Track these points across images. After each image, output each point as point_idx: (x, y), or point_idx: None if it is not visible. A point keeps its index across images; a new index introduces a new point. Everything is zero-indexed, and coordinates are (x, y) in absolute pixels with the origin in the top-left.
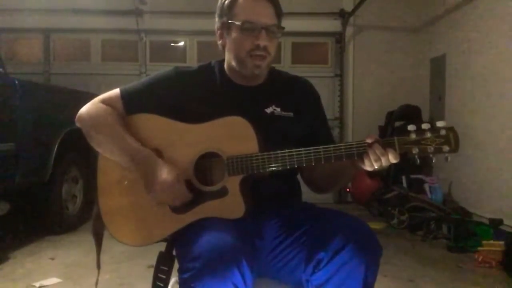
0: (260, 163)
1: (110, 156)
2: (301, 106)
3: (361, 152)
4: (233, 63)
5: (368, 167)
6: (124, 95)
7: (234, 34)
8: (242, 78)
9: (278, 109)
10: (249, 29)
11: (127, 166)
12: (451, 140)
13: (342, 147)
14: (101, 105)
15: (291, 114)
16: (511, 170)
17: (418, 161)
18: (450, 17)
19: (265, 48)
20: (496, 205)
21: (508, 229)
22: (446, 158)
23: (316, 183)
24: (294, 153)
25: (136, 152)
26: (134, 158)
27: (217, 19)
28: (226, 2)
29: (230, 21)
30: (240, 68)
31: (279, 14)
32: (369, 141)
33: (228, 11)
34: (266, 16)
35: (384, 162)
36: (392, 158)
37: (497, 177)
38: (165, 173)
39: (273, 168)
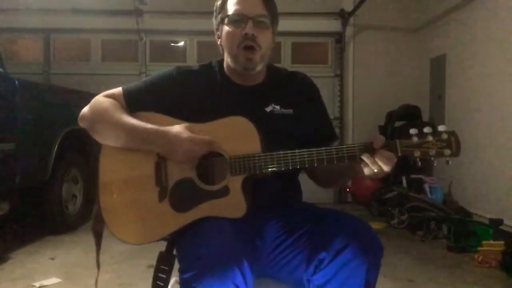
0: (263, 163)
1: (117, 144)
2: (301, 102)
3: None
4: (229, 60)
5: (366, 170)
6: (126, 94)
7: (225, 29)
8: (240, 77)
9: (278, 107)
10: (237, 21)
11: (138, 146)
12: (453, 144)
13: (344, 149)
14: (103, 98)
15: (291, 111)
16: (511, 170)
17: (420, 163)
18: (450, 17)
19: (253, 38)
20: (496, 205)
21: (508, 229)
22: (447, 162)
23: (318, 179)
24: (297, 153)
25: (144, 130)
26: (144, 136)
27: (214, 22)
28: (219, 2)
29: (221, 18)
30: (234, 63)
31: (269, 6)
32: (374, 146)
33: (220, 10)
34: (253, 7)
35: (383, 166)
36: (389, 159)
37: (497, 177)
38: (179, 132)
39: (275, 169)
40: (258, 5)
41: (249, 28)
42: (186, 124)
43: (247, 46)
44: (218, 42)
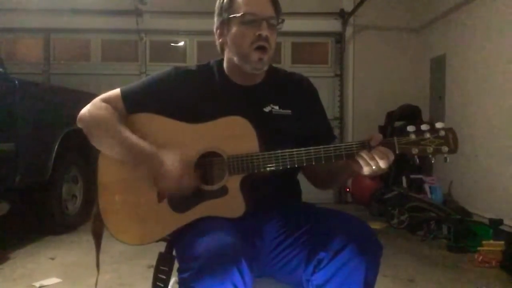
0: (261, 162)
1: (112, 155)
2: (299, 103)
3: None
4: (236, 60)
5: (364, 167)
6: (125, 95)
7: (235, 28)
8: (241, 77)
9: (277, 107)
10: (251, 21)
11: (130, 163)
12: (450, 141)
13: (342, 147)
14: (102, 104)
15: (289, 111)
16: (511, 170)
17: (418, 161)
18: (450, 17)
19: (266, 39)
20: (496, 205)
21: (508, 229)
22: (445, 159)
23: (315, 180)
24: (295, 152)
25: (138, 148)
26: (137, 154)
27: (216, 19)
28: (225, 0)
29: (230, 17)
30: (243, 63)
31: (277, 8)
32: (372, 143)
33: (228, 8)
34: (266, 8)
35: (381, 163)
36: (387, 156)
37: (497, 177)
38: (169, 165)
39: (273, 168)
40: (269, 7)
41: (264, 29)
42: (181, 155)
43: (260, 46)
44: (220, 40)
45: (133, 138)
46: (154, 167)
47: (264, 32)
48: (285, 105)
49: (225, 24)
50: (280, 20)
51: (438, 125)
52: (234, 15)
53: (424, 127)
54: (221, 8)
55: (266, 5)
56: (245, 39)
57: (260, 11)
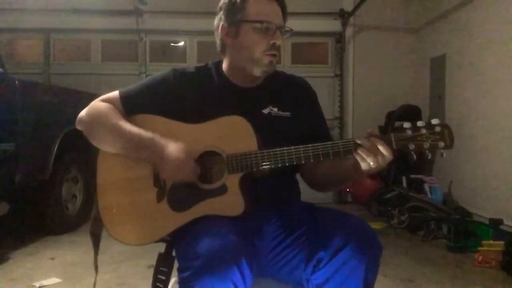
0: (259, 160)
1: (113, 150)
2: (298, 105)
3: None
4: (243, 63)
5: (363, 164)
6: (123, 97)
7: (248, 33)
8: (241, 78)
9: (275, 109)
10: (266, 28)
11: (133, 154)
12: (446, 136)
13: (340, 144)
14: (100, 103)
15: (288, 114)
16: (510, 170)
17: (415, 157)
18: (450, 17)
19: (278, 47)
20: (496, 205)
21: (508, 229)
22: (442, 154)
23: (316, 182)
24: (293, 150)
25: (140, 138)
26: (139, 144)
27: (223, 17)
28: (238, 0)
29: (243, 20)
30: (253, 66)
31: (285, 17)
32: (366, 135)
33: (241, 9)
34: (279, 16)
35: (379, 159)
36: (385, 151)
37: (497, 177)
38: (173, 151)
39: (272, 166)
40: (280, 15)
41: (278, 38)
42: (185, 145)
43: (272, 54)
44: (225, 40)
45: (133, 128)
46: (156, 152)
47: (278, 42)
48: (284, 107)
49: (234, 25)
50: (288, 29)
51: (434, 121)
52: (250, 20)
53: (420, 123)
54: (232, 8)
55: (279, 13)
56: (259, 46)
57: (275, 20)
